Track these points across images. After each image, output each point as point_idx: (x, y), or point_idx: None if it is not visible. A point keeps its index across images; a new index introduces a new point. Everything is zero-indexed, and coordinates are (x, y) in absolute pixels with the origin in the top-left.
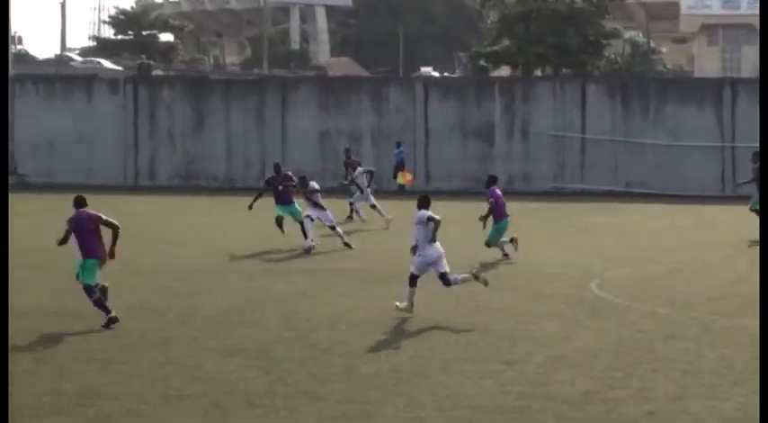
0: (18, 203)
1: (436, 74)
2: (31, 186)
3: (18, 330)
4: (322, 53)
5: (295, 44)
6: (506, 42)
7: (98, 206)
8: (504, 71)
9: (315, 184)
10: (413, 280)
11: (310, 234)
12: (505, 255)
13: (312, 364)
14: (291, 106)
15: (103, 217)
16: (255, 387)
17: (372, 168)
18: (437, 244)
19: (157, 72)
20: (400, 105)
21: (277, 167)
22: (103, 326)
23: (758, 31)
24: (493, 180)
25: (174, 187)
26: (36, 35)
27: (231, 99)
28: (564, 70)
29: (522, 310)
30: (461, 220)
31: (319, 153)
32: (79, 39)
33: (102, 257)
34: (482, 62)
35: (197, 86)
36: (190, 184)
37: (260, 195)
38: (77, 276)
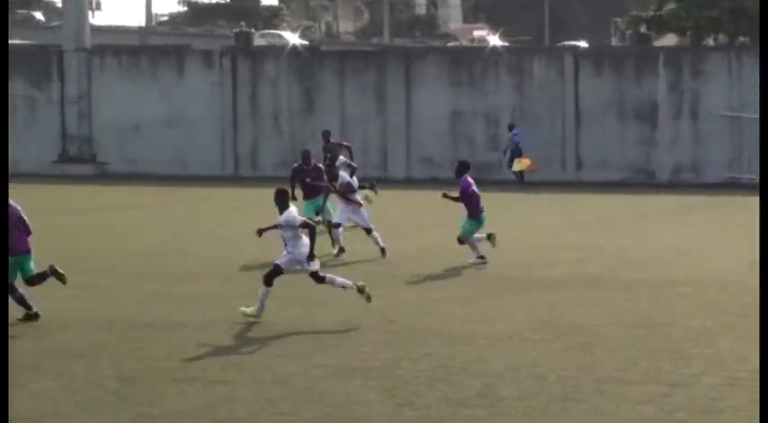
0: (96, 197)
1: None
2: (112, 177)
3: (103, 345)
4: (453, 19)
5: (421, 8)
6: (672, 5)
7: (192, 200)
8: (670, 40)
9: (344, 175)
10: (271, 278)
11: (339, 243)
12: (480, 257)
13: (444, 385)
14: (417, 82)
15: (22, 214)
16: (378, 412)
17: (355, 165)
18: (306, 242)
19: (260, 42)
20: (545, 81)
21: (306, 156)
22: (21, 319)
23: None
24: (465, 167)
25: (281, 177)
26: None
27: (346, 74)
28: (741, 38)
29: (691, 323)
30: (618, 219)
31: (450, 138)
32: (167, 4)
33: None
34: (643, 29)
35: (306, 59)
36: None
37: (293, 186)
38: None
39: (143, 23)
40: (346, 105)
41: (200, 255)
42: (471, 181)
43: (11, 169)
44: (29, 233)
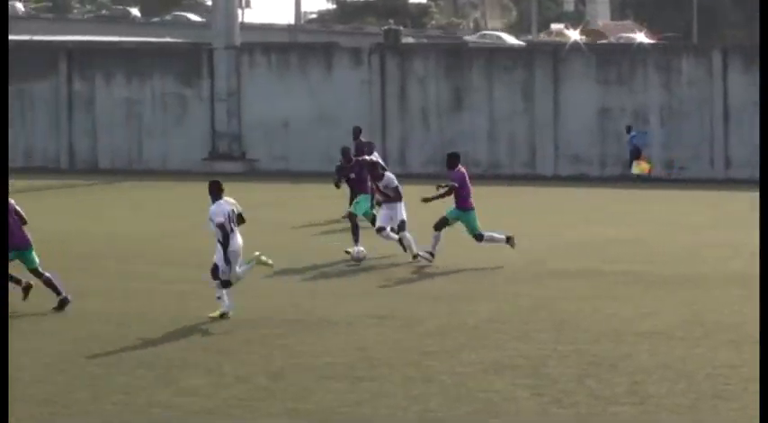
0: (247, 194)
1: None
2: (261, 174)
3: (252, 341)
4: (600, 15)
5: (569, 5)
6: None
7: (341, 197)
8: None
9: (391, 177)
10: (216, 274)
11: (393, 236)
12: (429, 254)
13: (592, 382)
14: (565, 79)
15: (16, 206)
16: (526, 409)
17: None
18: (239, 236)
19: (408, 39)
20: (693, 78)
21: (345, 153)
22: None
23: None
24: (457, 158)
25: (429, 175)
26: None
27: (494, 71)
28: None
29: None
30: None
31: (598, 135)
32: (316, 1)
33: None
34: None
35: (454, 56)
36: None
37: (343, 180)
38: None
39: (292, 21)
40: (494, 102)
41: (351, 251)
42: (465, 173)
43: (160, 167)
44: (24, 223)
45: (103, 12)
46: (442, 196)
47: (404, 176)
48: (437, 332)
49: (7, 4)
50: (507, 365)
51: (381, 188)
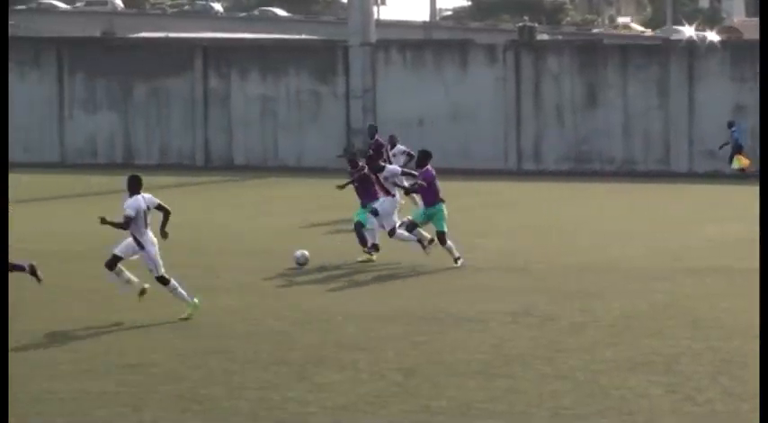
0: None
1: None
2: None
3: (387, 338)
4: (736, 11)
5: (704, 1)
6: None
7: (476, 194)
8: None
9: (394, 168)
10: (114, 263)
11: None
12: (424, 246)
13: (725, 380)
14: (700, 76)
15: None
16: (660, 406)
17: (413, 153)
18: (150, 233)
19: (543, 36)
20: None
21: (352, 158)
22: None
23: None
24: (427, 157)
25: (563, 172)
26: None
27: (629, 67)
28: None
29: None
30: None
31: None
32: None
33: None
34: None
35: (589, 53)
36: (582, 167)
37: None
38: None
39: (427, 18)
40: (628, 99)
41: (487, 248)
42: (433, 171)
43: (295, 164)
44: None
45: (186, 7)
46: (405, 189)
47: (538, 174)
48: (571, 329)
49: (7, 4)
50: (641, 362)
51: (382, 180)
